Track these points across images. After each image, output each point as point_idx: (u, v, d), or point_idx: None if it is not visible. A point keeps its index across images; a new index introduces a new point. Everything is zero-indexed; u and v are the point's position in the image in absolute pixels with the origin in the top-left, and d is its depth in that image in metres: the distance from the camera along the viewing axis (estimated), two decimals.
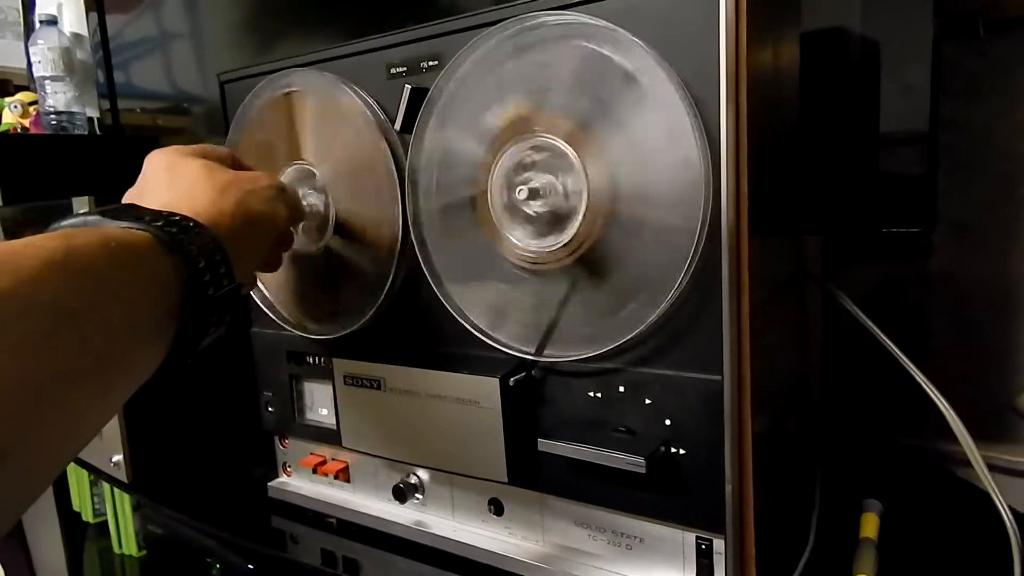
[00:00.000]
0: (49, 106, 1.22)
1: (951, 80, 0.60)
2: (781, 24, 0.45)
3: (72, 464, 1.10)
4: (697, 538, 0.42)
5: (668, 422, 0.41)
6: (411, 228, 0.48)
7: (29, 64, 1.26)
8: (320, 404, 0.59)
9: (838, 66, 0.59)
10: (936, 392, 0.50)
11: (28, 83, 1.44)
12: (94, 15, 1.21)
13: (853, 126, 0.58)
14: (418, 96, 0.47)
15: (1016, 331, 0.69)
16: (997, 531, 0.47)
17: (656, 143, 0.39)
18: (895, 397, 0.70)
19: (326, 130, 0.52)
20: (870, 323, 0.52)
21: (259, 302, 0.59)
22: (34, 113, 1.30)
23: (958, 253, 0.71)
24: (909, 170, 0.55)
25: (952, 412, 0.49)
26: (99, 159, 1.15)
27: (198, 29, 1.14)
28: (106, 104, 1.23)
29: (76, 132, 1.25)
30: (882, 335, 0.51)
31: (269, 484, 0.64)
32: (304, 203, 0.52)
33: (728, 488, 0.40)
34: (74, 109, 1.26)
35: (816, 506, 0.48)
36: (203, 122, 1.16)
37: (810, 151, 0.54)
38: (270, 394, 0.62)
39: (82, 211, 0.36)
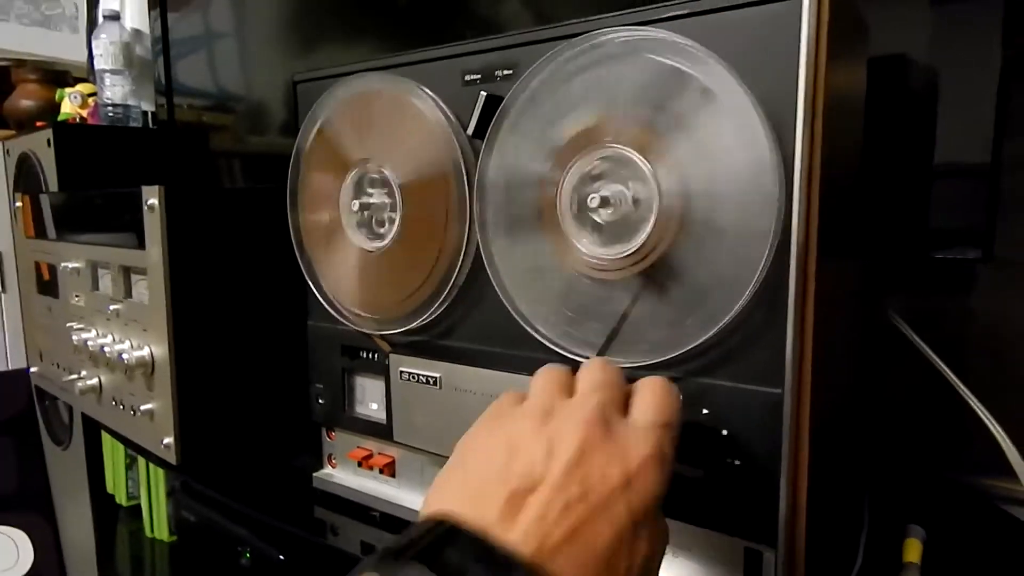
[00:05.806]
0: (107, 98, 1.26)
1: (1020, 116, 0.60)
2: (853, 47, 0.46)
3: (111, 447, 1.13)
4: (746, 549, 0.43)
5: (725, 432, 0.42)
6: (478, 232, 0.50)
7: (91, 56, 1.30)
8: (371, 398, 0.61)
9: (898, 93, 0.60)
10: (1000, 429, 0.50)
11: (87, 75, 1.49)
12: (156, 12, 1.25)
13: (911, 152, 0.59)
14: (492, 103, 0.48)
15: None
16: None
17: (729, 156, 0.40)
18: (941, 427, 0.70)
19: (398, 132, 0.54)
20: (935, 357, 0.52)
21: (318, 296, 0.61)
22: (92, 104, 1.34)
23: (1002, 291, 0.70)
24: (969, 197, 0.55)
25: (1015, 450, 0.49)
26: (152, 151, 1.18)
27: (244, 31, 1.18)
28: (162, 100, 1.26)
29: (131, 124, 1.28)
30: (947, 369, 0.51)
31: (314, 475, 0.66)
32: (371, 201, 0.54)
33: (783, 501, 0.40)
34: (130, 102, 1.29)
35: (865, 525, 0.48)
36: (244, 120, 1.20)
37: (868, 174, 0.55)
38: (321, 386, 0.63)
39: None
